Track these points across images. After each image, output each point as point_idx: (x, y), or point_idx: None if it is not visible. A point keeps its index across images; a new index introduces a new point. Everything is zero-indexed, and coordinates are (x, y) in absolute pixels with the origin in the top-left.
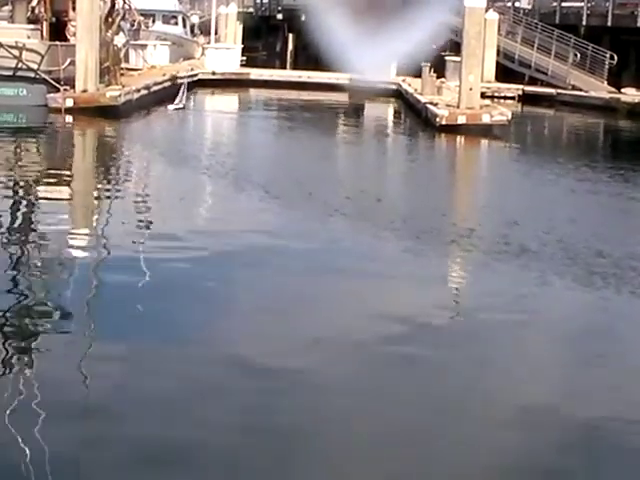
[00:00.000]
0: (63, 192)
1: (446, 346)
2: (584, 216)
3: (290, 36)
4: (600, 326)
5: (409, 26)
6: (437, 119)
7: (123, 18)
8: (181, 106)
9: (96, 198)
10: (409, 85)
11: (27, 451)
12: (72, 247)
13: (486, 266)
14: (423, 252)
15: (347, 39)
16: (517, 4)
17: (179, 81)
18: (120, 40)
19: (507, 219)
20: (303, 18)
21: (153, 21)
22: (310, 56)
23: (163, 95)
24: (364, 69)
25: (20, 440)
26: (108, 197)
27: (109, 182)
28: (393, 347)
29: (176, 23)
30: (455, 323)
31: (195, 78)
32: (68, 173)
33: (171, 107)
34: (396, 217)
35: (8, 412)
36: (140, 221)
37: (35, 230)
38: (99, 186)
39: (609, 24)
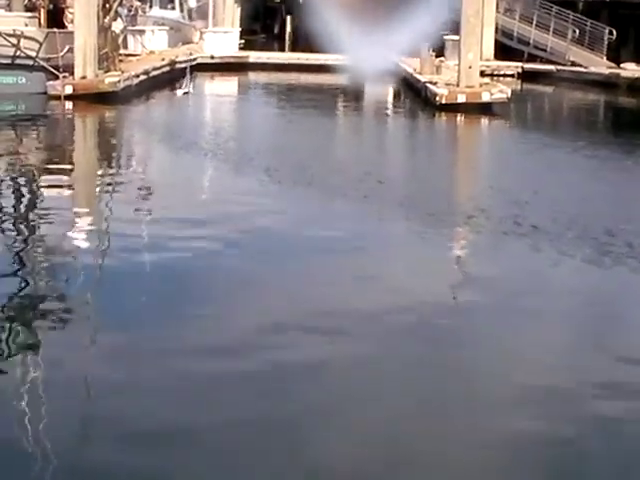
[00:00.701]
0: (64, 179)
1: (456, 327)
2: (587, 192)
3: (288, 18)
4: (610, 303)
5: (410, 18)
6: (437, 98)
7: (120, 4)
8: (187, 90)
9: (98, 184)
10: (408, 65)
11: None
12: (74, 233)
13: (492, 245)
14: (429, 233)
15: (344, 30)
16: None
17: (179, 66)
18: (118, 26)
19: (510, 197)
20: (301, 1)
21: (150, 6)
22: (308, 38)
23: (162, 80)
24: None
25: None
26: (110, 183)
27: (110, 168)
28: (403, 326)
29: (173, 8)
30: (464, 304)
31: (194, 62)
32: (69, 160)
33: (179, 92)
34: (400, 198)
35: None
36: (142, 206)
37: (37, 217)
38: (100, 172)
39: None
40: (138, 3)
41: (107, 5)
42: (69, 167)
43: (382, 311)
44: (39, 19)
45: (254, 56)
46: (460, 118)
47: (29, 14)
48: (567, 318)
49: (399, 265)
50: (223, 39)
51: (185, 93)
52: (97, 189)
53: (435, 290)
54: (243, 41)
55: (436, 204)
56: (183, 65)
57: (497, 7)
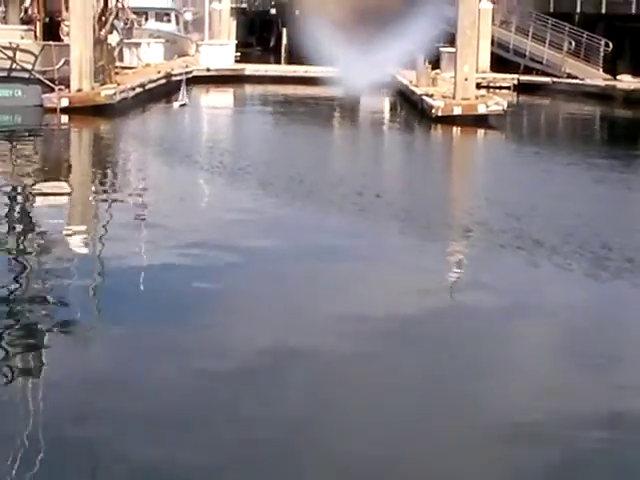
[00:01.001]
0: (61, 192)
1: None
2: (584, 204)
3: (284, 31)
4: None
5: (405, 30)
6: (433, 110)
7: (116, 17)
8: (184, 102)
9: (94, 198)
10: (404, 77)
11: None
12: (70, 246)
13: (488, 257)
14: (426, 244)
15: (339, 43)
16: None
17: (175, 78)
18: (114, 39)
19: (506, 210)
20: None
21: (146, 19)
22: (302, 51)
23: (158, 93)
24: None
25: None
26: (106, 197)
27: (106, 181)
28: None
29: (169, 20)
30: (460, 315)
31: (190, 75)
32: (65, 172)
33: (176, 104)
34: (396, 210)
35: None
36: (138, 219)
37: (33, 231)
38: (96, 185)
39: (603, 11)
40: (134, 16)
41: (103, 18)
42: (64, 180)
43: (378, 320)
44: (35, 32)
45: (250, 69)
46: (456, 130)
47: (25, 27)
48: (563, 332)
49: (395, 277)
50: (219, 52)
51: (182, 105)
52: (92, 202)
53: (430, 301)
54: (239, 54)
55: (432, 217)
56: (178, 77)
57: (493, 19)
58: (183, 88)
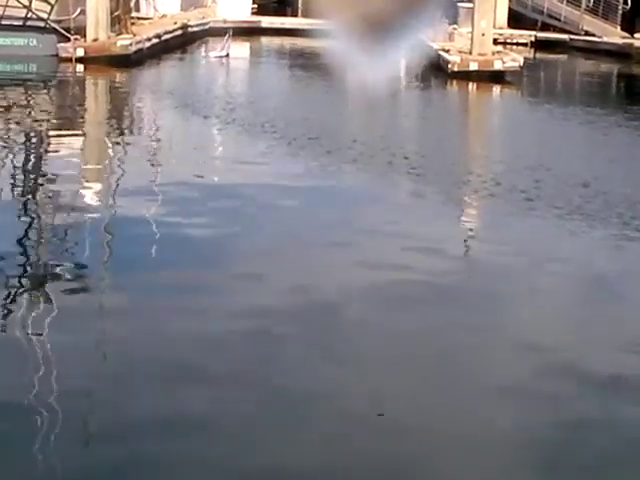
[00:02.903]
0: (75, 141)
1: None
2: (598, 162)
3: None
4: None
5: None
6: (449, 66)
7: None
8: (224, 54)
9: (108, 146)
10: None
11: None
12: (85, 195)
13: (504, 213)
14: (444, 200)
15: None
16: None
17: (193, 29)
18: None
19: (523, 166)
20: None
21: None
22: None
23: (174, 44)
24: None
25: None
26: (120, 145)
27: (121, 130)
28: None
29: None
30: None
31: (206, 26)
32: (79, 122)
33: (212, 54)
34: (414, 166)
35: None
36: (152, 168)
37: (48, 179)
38: (111, 134)
39: None
40: None
41: None
42: (79, 129)
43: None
44: None
45: (266, 21)
46: (472, 86)
47: None
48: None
49: (409, 233)
50: (236, 3)
51: (220, 56)
52: (107, 150)
53: (450, 257)
54: (256, 5)
55: (448, 174)
56: (203, 27)
57: None
58: (227, 39)
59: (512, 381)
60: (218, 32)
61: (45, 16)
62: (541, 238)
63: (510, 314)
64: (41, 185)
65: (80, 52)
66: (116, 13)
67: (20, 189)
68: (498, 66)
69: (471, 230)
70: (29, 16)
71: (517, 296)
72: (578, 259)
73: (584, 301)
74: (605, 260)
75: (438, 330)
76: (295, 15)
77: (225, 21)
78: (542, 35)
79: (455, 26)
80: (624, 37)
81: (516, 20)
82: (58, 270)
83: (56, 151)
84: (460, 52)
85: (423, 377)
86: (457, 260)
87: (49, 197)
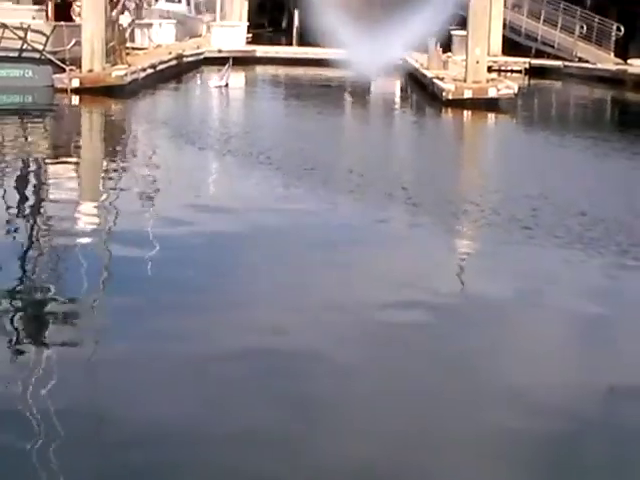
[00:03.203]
0: (71, 171)
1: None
2: (594, 189)
3: (296, 12)
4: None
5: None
6: (443, 93)
7: None
8: (224, 84)
9: (103, 176)
10: (415, 60)
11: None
12: (80, 224)
13: (494, 239)
14: (436, 227)
15: (350, 25)
16: None
17: (188, 59)
18: (125, 19)
19: (516, 194)
20: None
21: (156, 0)
22: (315, 33)
23: (169, 74)
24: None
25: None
26: (115, 175)
27: (116, 161)
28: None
29: (179, 1)
30: (467, 298)
31: (201, 56)
32: (75, 152)
33: (212, 83)
34: (407, 193)
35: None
36: (147, 198)
37: (42, 208)
38: (106, 165)
39: None
40: None
41: None
42: (74, 159)
43: (377, 299)
44: (47, 12)
45: (261, 50)
46: (467, 113)
47: (37, 7)
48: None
49: (401, 257)
50: (231, 33)
51: (219, 86)
52: (102, 181)
53: (441, 284)
54: (250, 35)
55: (446, 204)
56: (197, 57)
57: (505, 2)
58: (227, 69)
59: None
60: (213, 62)
61: (40, 47)
62: (540, 268)
63: (504, 352)
64: (36, 215)
65: (75, 83)
66: (111, 44)
67: (15, 219)
68: (492, 94)
69: (469, 261)
70: (25, 47)
71: (513, 332)
72: (576, 289)
73: (581, 337)
74: (604, 290)
75: (426, 371)
76: (290, 44)
77: (220, 51)
78: (536, 62)
79: (449, 54)
80: (618, 63)
81: (510, 47)
82: (50, 296)
83: (52, 182)
84: (454, 80)
85: (407, 422)
86: (454, 293)
87: (44, 226)
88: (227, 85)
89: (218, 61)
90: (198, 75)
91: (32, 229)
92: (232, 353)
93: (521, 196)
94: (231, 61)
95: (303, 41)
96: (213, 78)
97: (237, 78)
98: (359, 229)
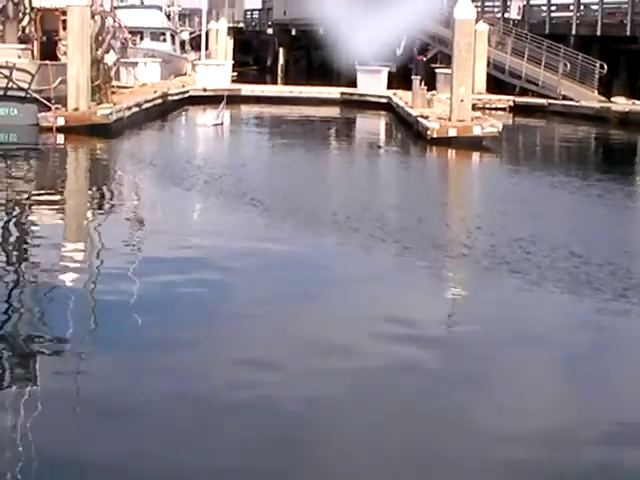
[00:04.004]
0: (56, 212)
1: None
2: (576, 228)
3: (281, 50)
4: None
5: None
6: (428, 132)
7: (113, 36)
8: (220, 122)
9: (89, 218)
10: (400, 98)
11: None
12: (65, 267)
13: (480, 279)
14: (422, 268)
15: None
16: (507, 15)
17: (172, 98)
18: (110, 58)
19: (501, 233)
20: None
21: (141, 38)
22: (301, 70)
23: (155, 112)
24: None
25: None
26: (101, 217)
27: (102, 202)
28: (392, 358)
29: (164, 40)
30: (454, 339)
31: (186, 95)
32: (60, 193)
33: (209, 123)
34: (391, 232)
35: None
36: (133, 240)
37: (26, 250)
38: (92, 206)
39: (598, 33)
40: (129, 35)
41: (100, 37)
42: (59, 199)
43: (366, 340)
44: (32, 51)
45: (247, 89)
46: (451, 152)
47: (22, 46)
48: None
49: (386, 296)
50: (216, 72)
51: (216, 124)
52: (87, 222)
53: (427, 325)
54: (236, 73)
55: (434, 248)
56: (182, 96)
57: (489, 41)
58: (222, 107)
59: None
60: (198, 101)
61: (26, 86)
62: (531, 312)
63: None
64: (19, 259)
65: (61, 121)
66: (96, 82)
67: None
68: (477, 132)
69: (458, 305)
70: (9, 86)
71: (501, 379)
72: (568, 334)
73: (570, 382)
74: (596, 334)
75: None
76: (275, 82)
77: (205, 89)
78: (520, 100)
79: (434, 92)
80: (601, 101)
81: (494, 85)
82: (36, 342)
83: (36, 222)
84: (439, 118)
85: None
86: (441, 338)
87: (28, 267)
88: (222, 124)
89: (203, 100)
90: (183, 114)
91: (14, 273)
92: (210, 395)
93: (510, 238)
94: (225, 99)
95: (288, 79)
96: (208, 116)
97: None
98: (345, 272)
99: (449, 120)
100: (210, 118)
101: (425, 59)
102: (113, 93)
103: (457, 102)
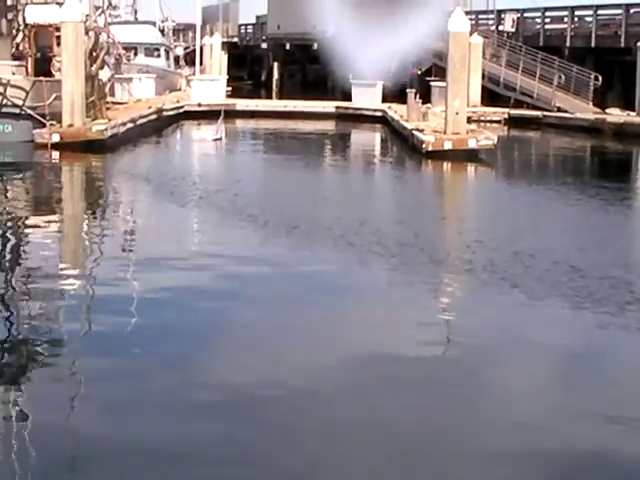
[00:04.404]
0: (50, 229)
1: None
2: (574, 241)
3: (275, 65)
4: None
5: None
6: (423, 145)
7: (107, 52)
8: (219, 137)
9: (85, 235)
10: (395, 112)
11: None
12: (61, 284)
13: (478, 293)
14: (417, 282)
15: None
16: (501, 27)
17: (167, 113)
18: (105, 74)
19: (497, 246)
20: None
21: (135, 54)
22: (296, 84)
23: (149, 128)
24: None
25: None
26: (97, 234)
27: (97, 217)
28: (387, 373)
29: (159, 55)
30: (452, 354)
31: (181, 110)
32: (55, 209)
33: (210, 138)
34: (388, 246)
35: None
36: (128, 257)
37: (22, 268)
38: (87, 223)
39: (593, 45)
40: (123, 51)
41: (94, 53)
42: (55, 216)
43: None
44: (26, 67)
45: (241, 104)
46: (447, 165)
47: (16, 62)
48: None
49: (383, 313)
50: (210, 87)
51: (216, 139)
52: (84, 239)
53: (421, 340)
54: (230, 88)
55: (432, 263)
56: (177, 111)
57: (483, 53)
58: (219, 122)
59: None
60: (193, 116)
61: (20, 102)
62: (536, 328)
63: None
64: (13, 277)
65: (56, 138)
66: (91, 98)
67: None
68: (472, 145)
69: (456, 318)
70: (4, 102)
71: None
72: (567, 347)
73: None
74: (597, 347)
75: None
76: (270, 97)
77: (200, 104)
78: (515, 112)
79: (429, 105)
80: (596, 113)
81: (489, 98)
82: (34, 357)
83: (31, 240)
84: (434, 131)
85: None
86: (441, 351)
87: (24, 285)
88: (221, 139)
89: (198, 115)
90: (178, 129)
91: (8, 292)
92: (209, 408)
93: (508, 251)
94: (223, 114)
95: (282, 93)
96: (205, 132)
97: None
98: (344, 287)
99: (444, 133)
100: (209, 133)
101: (420, 72)
102: (108, 109)
103: (452, 115)
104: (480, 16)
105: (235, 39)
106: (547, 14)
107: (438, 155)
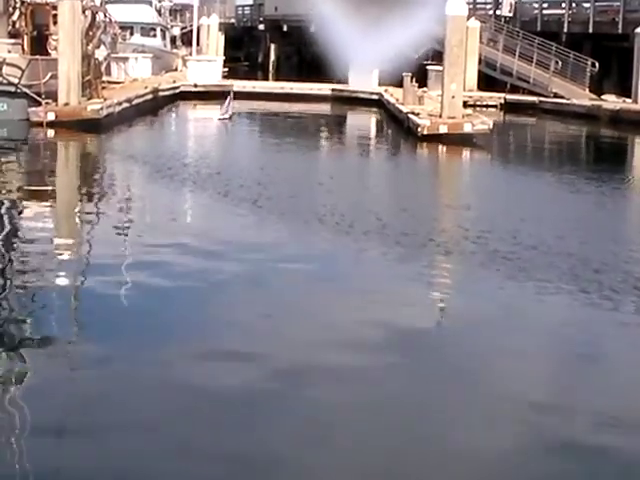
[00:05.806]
0: (45, 207)
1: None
2: (564, 224)
3: (272, 46)
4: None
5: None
6: (419, 129)
7: (104, 31)
8: (227, 117)
9: (78, 212)
10: (391, 95)
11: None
12: (55, 262)
13: (472, 275)
14: (413, 263)
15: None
16: (498, 12)
17: (164, 93)
18: (101, 53)
19: (491, 228)
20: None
21: (131, 33)
22: (293, 66)
23: (145, 108)
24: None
25: None
26: (91, 211)
27: (91, 195)
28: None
29: (155, 35)
30: (448, 335)
31: (177, 90)
32: (49, 186)
33: (217, 116)
34: (383, 228)
35: None
36: (122, 234)
37: (16, 245)
38: (81, 200)
39: (590, 31)
40: (119, 30)
41: (90, 32)
42: (49, 194)
43: (362, 338)
44: (22, 46)
45: (238, 85)
46: (442, 149)
47: (12, 41)
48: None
49: (380, 295)
50: (207, 68)
51: (224, 119)
52: (77, 216)
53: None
54: (227, 69)
55: (430, 245)
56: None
57: (480, 38)
58: (228, 101)
59: None
60: (189, 96)
61: (16, 81)
62: (531, 316)
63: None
64: (8, 254)
65: (51, 116)
66: (87, 77)
67: None
68: (468, 129)
69: (453, 302)
70: (0, 81)
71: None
72: (563, 334)
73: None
74: (593, 335)
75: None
76: (266, 78)
77: (196, 85)
78: (511, 97)
79: (425, 89)
80: (592, 99)
81: (486, 82)
82: (19, 341)
83: (26, 217)
84: (430, 115)
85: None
86: (436, 335)
87: (18, 264)
88: (230, 118)
89: (194, 95)
90: (174, 109)
91: (2, 269)
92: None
93: (502, 234)
94: (232, 93)
95: (279, 75)
96: (209, 111)
97: (213, 112)
98: (342, 270)
99: (440, 117)
100: (207, 113)
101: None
102: (104, 88)
103: (448, 99)
104: (478, 0)
105: (232, 20)
106: None
107: (433, 139)
